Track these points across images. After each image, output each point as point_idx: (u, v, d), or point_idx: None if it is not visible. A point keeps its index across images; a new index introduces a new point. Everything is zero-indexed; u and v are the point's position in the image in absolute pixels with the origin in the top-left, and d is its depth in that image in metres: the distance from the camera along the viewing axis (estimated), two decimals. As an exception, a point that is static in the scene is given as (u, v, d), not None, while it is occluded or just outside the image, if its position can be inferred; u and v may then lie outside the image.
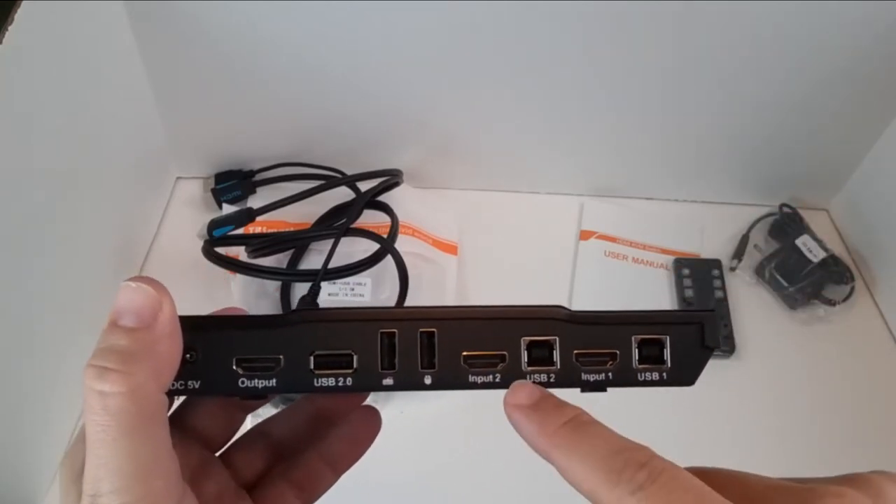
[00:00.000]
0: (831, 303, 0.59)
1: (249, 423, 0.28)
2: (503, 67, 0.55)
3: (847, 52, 0.53)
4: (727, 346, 0.56)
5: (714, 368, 0.56)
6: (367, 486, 0.49)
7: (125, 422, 0.18)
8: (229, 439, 0.26)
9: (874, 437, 0.54)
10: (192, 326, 0.21)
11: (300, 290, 0.54)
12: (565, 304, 0.23)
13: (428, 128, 0.61)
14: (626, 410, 0.51)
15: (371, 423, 0.27)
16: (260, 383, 0.22)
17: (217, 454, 0.26)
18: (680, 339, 0.23)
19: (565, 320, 0.22)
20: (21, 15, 0.38)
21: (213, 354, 0.22)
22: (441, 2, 0.50)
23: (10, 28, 0.37)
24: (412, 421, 0.52)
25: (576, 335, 0.22)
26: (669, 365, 0.23)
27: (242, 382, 0.22)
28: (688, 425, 0.53)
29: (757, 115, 0.59)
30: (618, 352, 0.23)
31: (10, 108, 0.38)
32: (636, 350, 0.23)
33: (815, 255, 0.60)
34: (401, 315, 0.22)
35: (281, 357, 0.22)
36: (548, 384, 0.22)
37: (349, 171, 0.58)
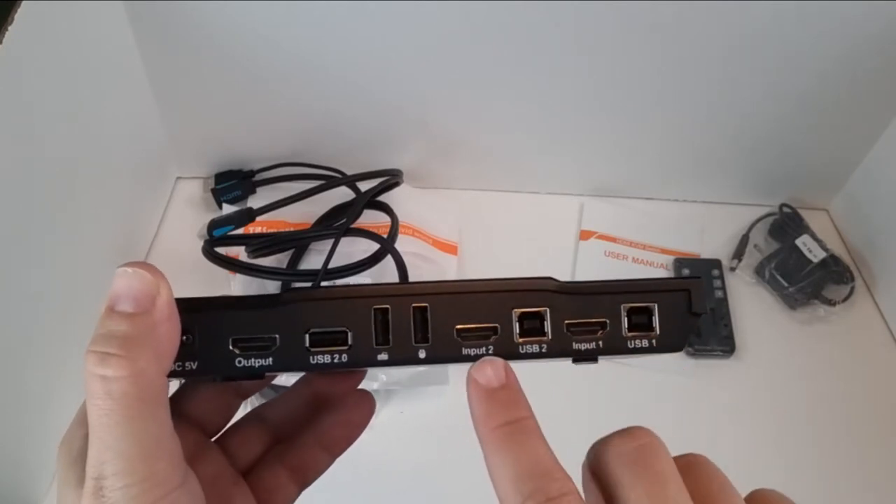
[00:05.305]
0: (831, 303, 0.59)
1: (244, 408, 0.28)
2: (503, 67, 0.55)
3: (847, 52, 0.53)
4: (727, 345, 0.56)
5: (714, 368, 0.56)
6: (368, 486, 0.49)
7: (128, 406, 0.18)
8: (225, 424, 0.26)
9: (874, 438, 0.54)
10: (189, 309, 0.21)
11: (300, 290, 0.54)
12: None
13: (428, 128, 0.61)
14: (625, 409, 0.51)
15: (365, 406, 0.27)
16: (257, 362, 0.22)
17: (213, 439, 0.26)
18: (668, 306, 0.23)
19: (555, 291, 0.23)
20: (21, 15, 0.38)
21: (209, 336, 0.22)
22: (441, 2, 0.50)
23: (10, 28, 0.37)
24: (412, 420, 0.52)
25: (566, 305, 0.23)
26: (658, 332, 0.23)
27: (239, 362, 0.22)
28: (687, 425, 0.53)
29: (757, 114, 0.59)
30: (607, 320, 0.23)
31: (9, 109, 0.38)
32: (625, 318, 0.23)
33: (815, 255, 0.60)
34: (393, 291, 0.22)
35: (277, 336, 0.22)
36: (540, 354, 0.22)
37: (349, 171, 0.58)
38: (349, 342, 0.22)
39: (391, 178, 0.57)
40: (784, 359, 0.57)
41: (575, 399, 0.48)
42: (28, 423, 0.44)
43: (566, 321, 0.23)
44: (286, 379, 0.41)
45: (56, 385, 0.45)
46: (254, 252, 0.51)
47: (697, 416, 0.54)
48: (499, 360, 0.21)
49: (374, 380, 0.49)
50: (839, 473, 0.52)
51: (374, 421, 0.55)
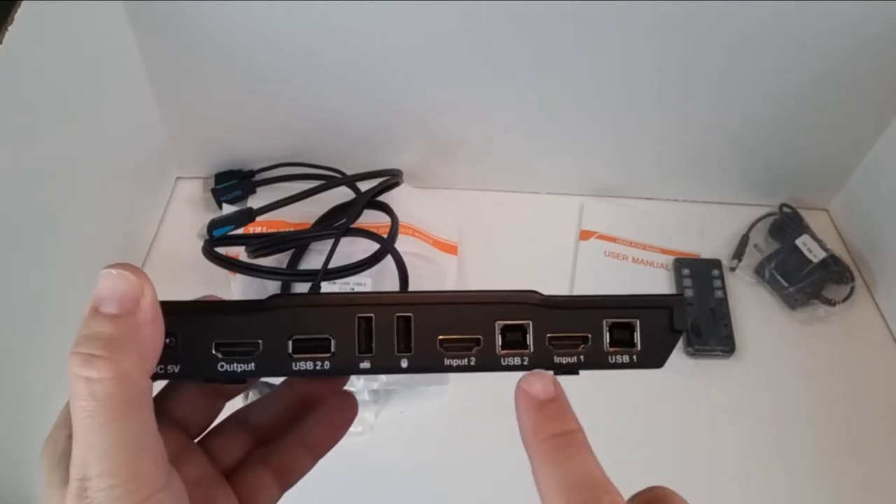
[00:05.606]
0: (831, 303, 0.59)
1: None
2: (503, 68, 0.55)
3: (847, 52, 0.53)
4: (727, 345, 0.56)
5: (714, 368, 0.56)
6: (368, 486, 0.49)
7: (112, 407, 0.18)
8: (208, 426, 0.26)
9: (874, 438, 0.54)
10: (172, 311, 0.21)
11: (300, 290, 0.54)
12: None
13: (428, 127, 0.61)
14: (626, 409, 0.51)
15: (348, 408, 0.27)
16: (239, 367, 0.22)
17: (196, 440, 0.26)
18: (649, 322, 0.23)
19: (538, 304, 0.23)
20: (21, 15, 0.38)
21: (192, 339, 0.22)
22: (441, 2, 0.50)
23: (10, 28, 0.37)
24: (412, 420, 0.52)
25: (549, 319, 0.23)
26: (639, 348, 0.23)
27: (221, 367, 0.22)
28: (688, 425, 0.53)
29: (757, 114, 0.59)
30: (589, 335, 0.23)
31: (9, 109, 0.38)
32: (607, 333, 0.23)
33: (815, 255, 0.60)
34: (377, 300, 0.23)
35: (260, 342, 0.22)
36: (521, 367, 0.23)
37: (349, 171, 0.58)
38: (332, 349, 0.22)
39: (391, 178, 0.57)
40: (784, 359, 0.57)
41: (574, 399, 0.48)
42: (28, 423, 0.44)
43: (548, 334, 0.23)
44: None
45: (56, 385, 0.45)
46: (254, 252, 0.51)
47: (697, 416, 0.53)
48: (547, 374, 0.21)
49: (375, 380, 0.49)
50: (839, 473, 0.52)
51: (374, 421, 0.56)
